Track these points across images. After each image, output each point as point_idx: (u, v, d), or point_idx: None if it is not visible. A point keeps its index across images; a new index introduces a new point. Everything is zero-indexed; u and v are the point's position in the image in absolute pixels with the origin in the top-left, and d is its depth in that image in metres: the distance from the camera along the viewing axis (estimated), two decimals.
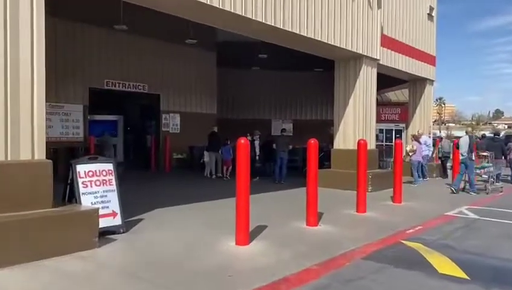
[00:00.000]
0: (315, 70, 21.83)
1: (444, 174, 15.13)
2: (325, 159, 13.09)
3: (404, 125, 24.12)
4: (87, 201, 5.74)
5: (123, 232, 6.04)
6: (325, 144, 15.21)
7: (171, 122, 16.90)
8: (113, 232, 5.95)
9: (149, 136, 17.58)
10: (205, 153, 15.16)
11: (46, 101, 12.95)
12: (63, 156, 13.16)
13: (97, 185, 5.94)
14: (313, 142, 6.71)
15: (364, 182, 8.05)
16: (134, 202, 8.52)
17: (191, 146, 16.58)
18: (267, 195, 10.17)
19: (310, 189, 6.67)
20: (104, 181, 6.04)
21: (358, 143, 8.07)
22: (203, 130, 17.32)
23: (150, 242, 5.68)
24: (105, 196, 6.00)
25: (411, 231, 6.66)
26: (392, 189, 9.60)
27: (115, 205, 6.07)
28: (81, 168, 5.85)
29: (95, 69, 14.53)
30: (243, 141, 5.54)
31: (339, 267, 4.73)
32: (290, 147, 13.08)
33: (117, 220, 6.05)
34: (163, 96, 16.72)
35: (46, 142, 12.37)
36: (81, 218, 5.18)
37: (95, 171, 5.97)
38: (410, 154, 13.98)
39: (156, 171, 16.08)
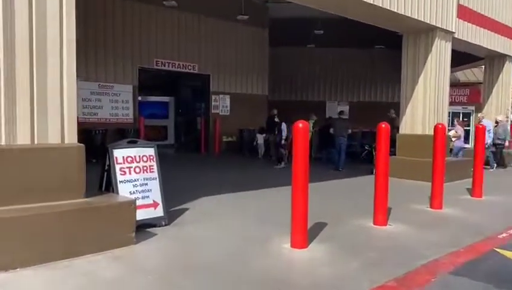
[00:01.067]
0: (375, 48, 20.30)
1: (503, 164, 13.35)
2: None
3: (473, 107, 22.04)
4: (125, 190, 5.11)
5: (165, 225, 5.40)
6: None
7: (221, 104, 16.25)
8: (154, 225, 5.31)
9: (199, 118, 17.10)
10: (258, 135, 14.87)
11: (96, 81, 12.77)
12: (112, 138, 12.90)
13: (136, 173, 5.30)
14: (384, 127, 5.66)
15: (441, 172, 6.89)
16: (181, 189, 7.94)
17: (241, 129, 15.88)
18: (324, 185, 9.23)
19: (379, 182, 5.66)
20: (145, 168, 5.39)
21: (436, 128, 6.89)
22: (254, 112, 16.62)
23: (193, 238, 4.98)
24: (146, 184, 5.35)
25: (504, 235, 5.49)
26: (467, 180, 8.37)
27: (156, 194, 5.42)
28: (119, 153, 5.21)
29: (144, 48, 14.10)
30: (301, 125, 4.64)
31: (423, 286, 3.76)
32: (350, 131, 11.98)
33: (158, 212, 5.40)
34: (213, 77, 16.07)
35: (96, 123, 12.08)
36: (116, 210, 4.54)
37: (135, 156, 5.32)
38: (454, 139, 12.56)
39: (206, 154, 15.60)
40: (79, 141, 4.52)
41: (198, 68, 15.54)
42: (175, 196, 7.09)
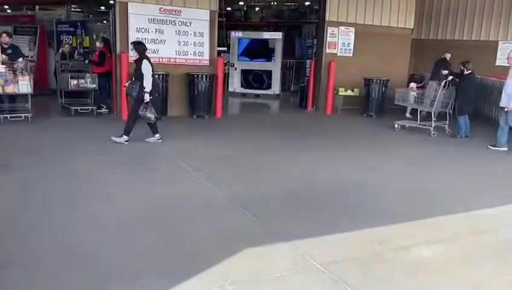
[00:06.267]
0: None
1: None
2: None
3: None
4: None
5: None
6: None
7: (341, 41, 11.22)
8: None
9: (309, 60, 12.43)
10: (412, 85, 10.13)
11: (156, 3, 8.95)
12: (177, 87, 9.22)
13: None
14: None
15: None
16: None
17: (368, 78, 10.76)
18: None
19: None
20: None
21: None
22: (389, 56, 11.33)
23: None
24: None
25: None
26: None
27: None
28: None
29: None
30: None
31: None
32: None
33: None
34: (331, 0, 11.02)
35: (157, 64, 8.46)
36: None
37: None
38: None
39: (313, 113, 11.08)
40: None
41: None
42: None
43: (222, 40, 16.96)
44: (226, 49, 16.03)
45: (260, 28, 17.58)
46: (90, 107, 9.15)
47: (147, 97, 6.46)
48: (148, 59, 6.62)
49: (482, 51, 13.21)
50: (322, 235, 3.43)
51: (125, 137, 6.55)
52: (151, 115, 6.51)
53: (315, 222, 3.80)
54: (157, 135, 6.80)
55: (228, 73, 14.69)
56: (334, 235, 3.47)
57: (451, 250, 3.39)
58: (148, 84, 6.46)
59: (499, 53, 14.73)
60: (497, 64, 13.83)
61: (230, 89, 14.56)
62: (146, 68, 6.45)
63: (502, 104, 7.44)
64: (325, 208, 4.21)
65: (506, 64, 13.92)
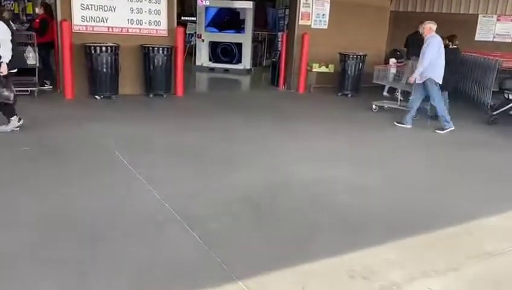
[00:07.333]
0: None
1: None
2: None
3: None
4: None
5: None
6: None
7: (315, 12, 10.24)
8: None
9: (281, 33, 11.41)
10: (391, 61, 9.08)
11: None
12: (130, 60, 8.10)
13: None
14: None
15: None
16: None
17: (344, 54, 9.88)
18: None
19: None
20: None
21: None
22: (368, 29, 10.49)
23: None
24: None
25: None
26: None
27: None
28: None
29: None
30: None
31: None
32: None
33: None
34: None
35: (106, 35, 7.28)
36: None
37: None
38: None
39: (285, 91, 10.18)
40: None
41: None
42: None
43: (190, 9, 15.72)
44: (194, 19, 14.84)
45: None
46: (30, 88, 7.66)
47: (3, 69, 5.04)
48: (6, 22, 5.25)
49: (461, 25, 12.52)
50: (287, 268, 2.60)
51: (12, 123, 5.31)
52: (9, 93, 5.11)
53: (279, 245, 2.95)
54: (15, 121, 5.37)
55: (195, 45, 13.61)
56: (302, 266, 2.64)
57: (456, 287, 2.62)
58: (6, 51, 5.08)
59: (478, 27, 14.11)
60: (476, 39, 13.29)
61: (197, 63, 13.45)
62: (2, 32, 5.11)
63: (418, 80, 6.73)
64: (293, 221, 3.36)
65: (485, 39, 13.43)
